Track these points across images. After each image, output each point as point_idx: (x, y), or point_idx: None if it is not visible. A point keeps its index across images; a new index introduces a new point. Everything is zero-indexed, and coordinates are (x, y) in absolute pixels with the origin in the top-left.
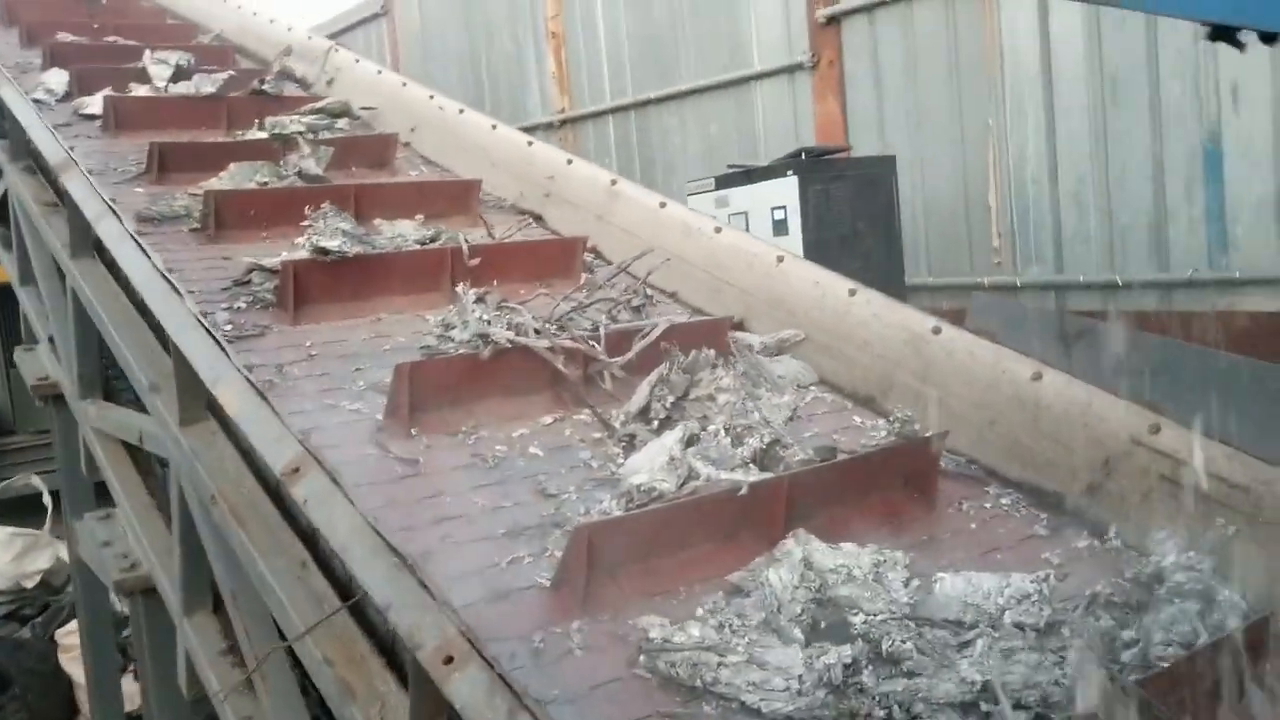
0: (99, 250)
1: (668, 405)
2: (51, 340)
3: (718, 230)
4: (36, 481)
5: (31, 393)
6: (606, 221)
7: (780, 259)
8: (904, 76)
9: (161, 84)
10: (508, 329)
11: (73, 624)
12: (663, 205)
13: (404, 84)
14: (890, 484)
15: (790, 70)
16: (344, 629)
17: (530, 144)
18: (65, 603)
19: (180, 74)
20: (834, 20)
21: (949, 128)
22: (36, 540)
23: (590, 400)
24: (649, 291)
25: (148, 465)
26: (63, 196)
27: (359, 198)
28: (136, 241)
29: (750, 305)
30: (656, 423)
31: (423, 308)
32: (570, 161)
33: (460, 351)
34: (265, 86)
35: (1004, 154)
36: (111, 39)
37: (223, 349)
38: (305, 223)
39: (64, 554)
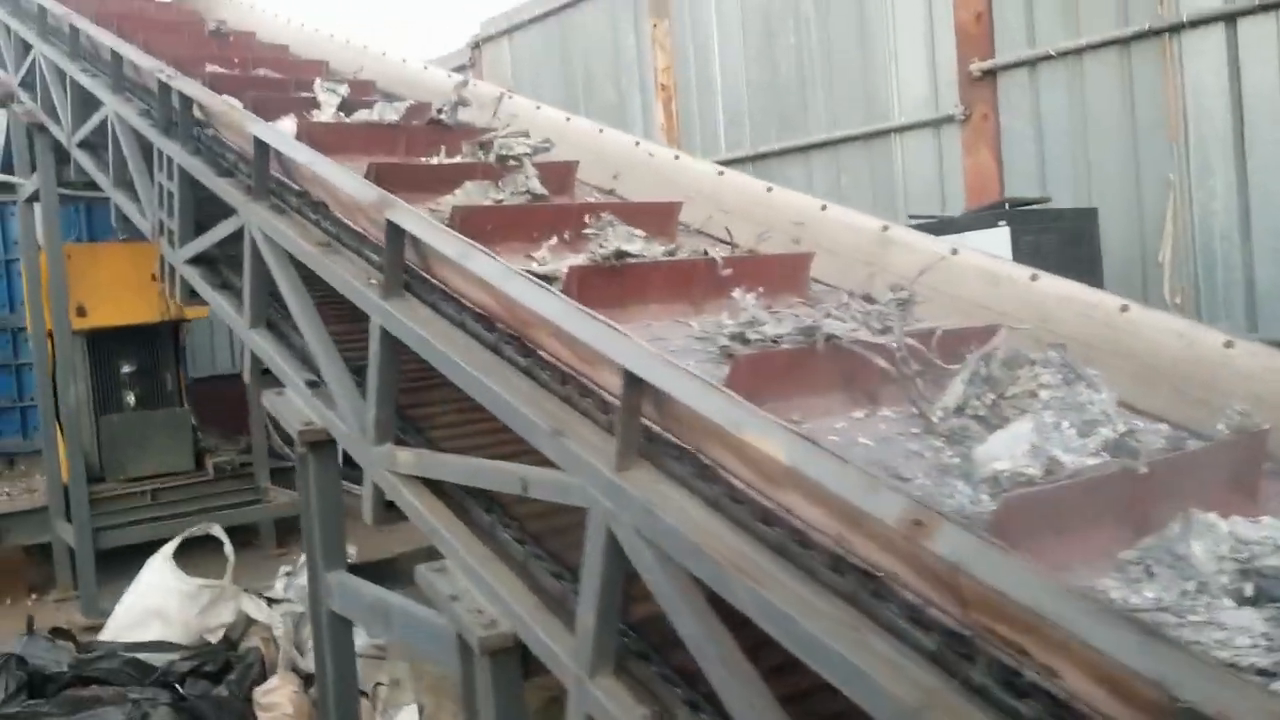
0: (408, 288)
1: (987, 401)
2: (313, 384)
3: (1034, 278)
4: (218, 531)
5: (298, 439)
6: (880, 269)
7: (1124, 307)
8: (1070, 131)
9: (330, 112)
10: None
11: (270, 682)
12: (955, 252)
13: (600, 130)
14: (1246, 472)
15: (936, 123)
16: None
17: (770, 190)
18: (251, 659)
19: (346, 104)
20: (989, 74)
21: (1121, 183)
22: (222, 592)
23: (884, 396)
24: None
25: (463, 511)
26: (342, 233)
27: (585, 216)
28: (531, 280)
29: (1091, 359)
30: (974, 417)
31: (674, 315)
32: (825, 208)
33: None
34: (442, 117)
35: (1186, 209)
36: (262, 72)
37: (723, 390)
38: (587, 230)
39: (246, 606)
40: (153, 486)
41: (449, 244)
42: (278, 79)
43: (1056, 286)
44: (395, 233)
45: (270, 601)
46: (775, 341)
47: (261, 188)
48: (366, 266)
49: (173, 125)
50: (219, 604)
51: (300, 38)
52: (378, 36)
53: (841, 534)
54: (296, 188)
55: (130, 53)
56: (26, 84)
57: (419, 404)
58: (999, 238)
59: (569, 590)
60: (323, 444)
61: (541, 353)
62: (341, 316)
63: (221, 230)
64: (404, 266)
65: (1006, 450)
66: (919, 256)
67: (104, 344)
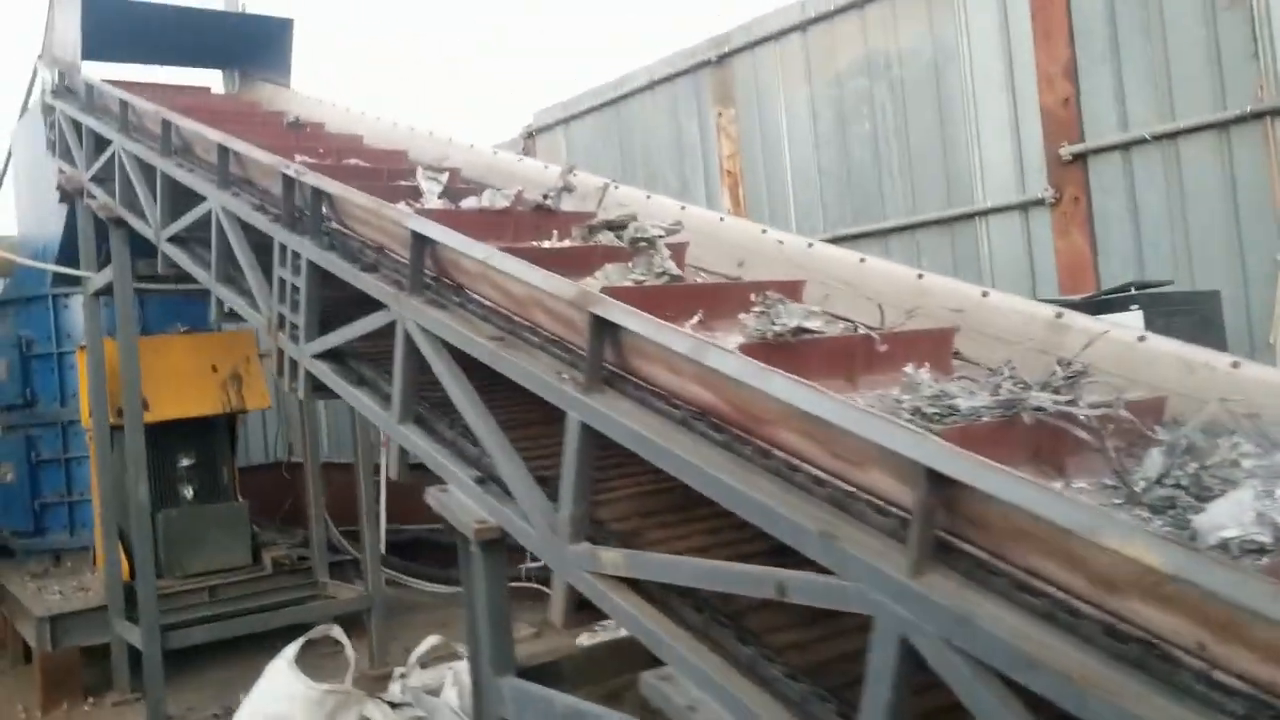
0: (610, 383)
1: (1189, 471)
2: (482, 481)
3: (1235, 365)
4: (338, 633)
5: (472, 537)
6: (1057, 355)
7: None
8: (1167, 213)
9: (435, 200)
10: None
11: None
12: (1142, 339)
13: (721, 219)
14: None
15: (1024, 206)
16: None
17: (921, 276)
18: None
19: (448, 192)
20: (1079, 157)
21: (1225, 265)
22: (347, 698)
23: (1071, 467)
24: None
25: (671, 612)
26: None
27: (719, 295)
28: (791, 377)
29: None
30: (1176, 487)
31: (834, 392)
32: (986, 294)
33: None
34: (548, 203)
35: None
36: (353, 162)
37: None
38: (756, 309)
39: (370, 713)
40: (211, 583)
41: (676, 340)
42: (370, 168)
43: (1263, 373)
44: (600, 327)
45: (392, 706)
46: (969, 415)
47: (417, 282)
48: (551, 361)
49: (297, 219)
50: (344, 710)
51: (375, 129)
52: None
53: (1204, 642)
54: (449, 281)
55: (242, 148)
56: (99, 179)
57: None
58: (1133, 321)
59: (808, 695)
60: (494, 542)
61: (777, 450)
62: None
63: (365, 325)
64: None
65: (1232, 518)
66: (1107, 344)
67: (162, 437)
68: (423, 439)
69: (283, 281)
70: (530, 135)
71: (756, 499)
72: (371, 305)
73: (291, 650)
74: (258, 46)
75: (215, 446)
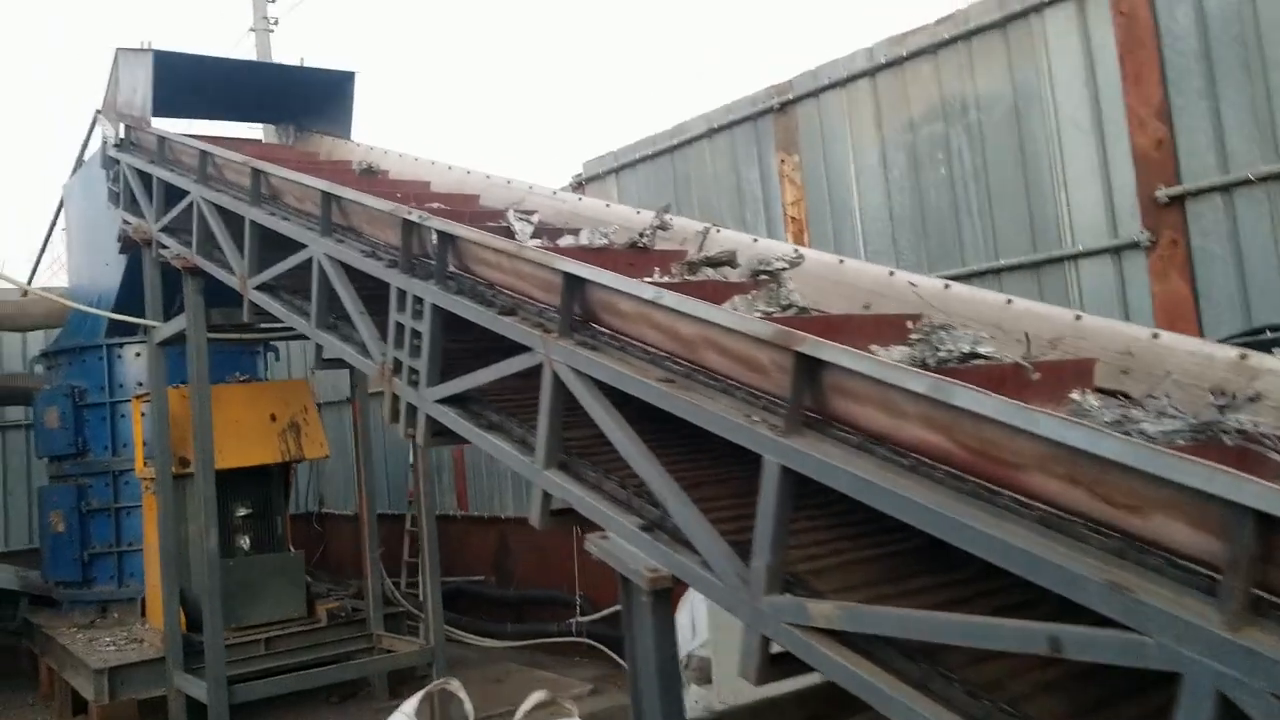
0: (810, 425)
1: None
2: (649, 529)
3: None
4: (457, 687)
5: (647, 586)
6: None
7: None
8: (1276, 254)
9: (525, 238)
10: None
11: None
12: None
13: (840, 260)
14: None
15: (1117, 250)
16: None
17: (1079, 318)
18: None
19: (540, 233)
20: (1176, 199)
21: None
22: None
23: None
24: None
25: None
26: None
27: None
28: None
29: None
30: None
31: None
32: (1156, 335)
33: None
34: (644, 242)
35: None
36: (436, 206)
37: None
38: (914, 336)
39: None
40: (267, 635)
41: (911, 379)
42: (455, 211)
43: None
44: (805, 365)
45: None
46: (1163, 439)
47: (568, 324)
48: (733, 402)
49: (414, 264)
50: None
51: (447, 177)
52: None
53: None
54: (598, 324)
55: (354, 195)
56: (170, 229)
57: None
58: None
59: None
60: (664, 592)
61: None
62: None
63: (504, 369)
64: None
65: None
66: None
67: (219, 486)
68: (573, 485)
69: (399, 326)
70: (580, 184)
71: (1024, 548)
72: (497, 351)
73: (412, 705)
74: (320, 99)
75: (271, 496)
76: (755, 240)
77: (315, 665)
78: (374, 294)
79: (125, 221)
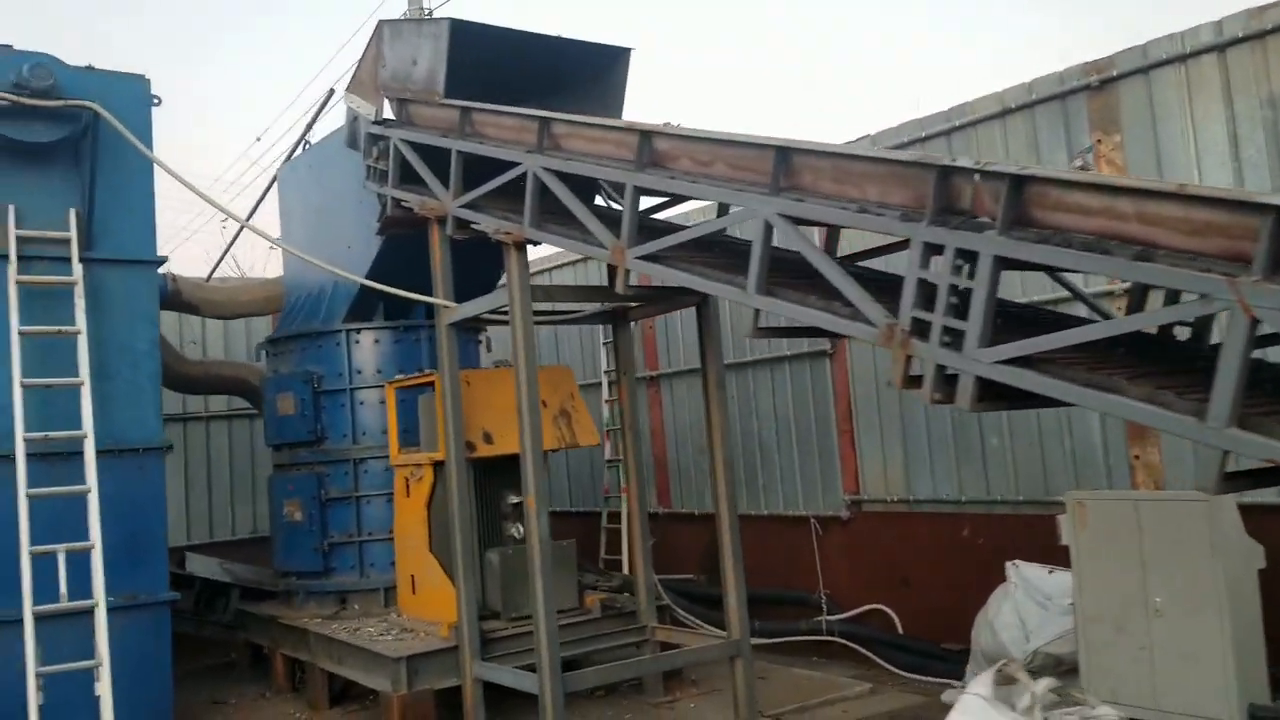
0: None
1: None
2: None
3: None
4: (1016, 669)
5: None
6: None
7: None
8: None
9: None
10: None
11: None
12: None
13: None
14: None
15: None
16: None
17: None
18: None
19: None
20: None
21: None
22: None
23: None
24: None
25: None
26: None
27: None
28: None
29: None
30: None
31: None
32: None
33: None
34: None
35: None
36: None
37: None
38: None
39: None
40: None
41: None
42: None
43: None
44: None
45: None
46: None
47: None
48: None
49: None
50: None
51: None
52: None
53: None
54: None
55: (836, 149)
56: (474, 205)
57: None
58: None
59: None
60: None
61: None
62: None
63: (1139, 322)
64: None
65: None
66: None
67: (489, 474)
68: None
69: (921, 285)
70: None
71: None
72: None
73: (985, 687)
74: (591, 76)
75: None
76: None
77: (590, 657)
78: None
79: (396, 202)
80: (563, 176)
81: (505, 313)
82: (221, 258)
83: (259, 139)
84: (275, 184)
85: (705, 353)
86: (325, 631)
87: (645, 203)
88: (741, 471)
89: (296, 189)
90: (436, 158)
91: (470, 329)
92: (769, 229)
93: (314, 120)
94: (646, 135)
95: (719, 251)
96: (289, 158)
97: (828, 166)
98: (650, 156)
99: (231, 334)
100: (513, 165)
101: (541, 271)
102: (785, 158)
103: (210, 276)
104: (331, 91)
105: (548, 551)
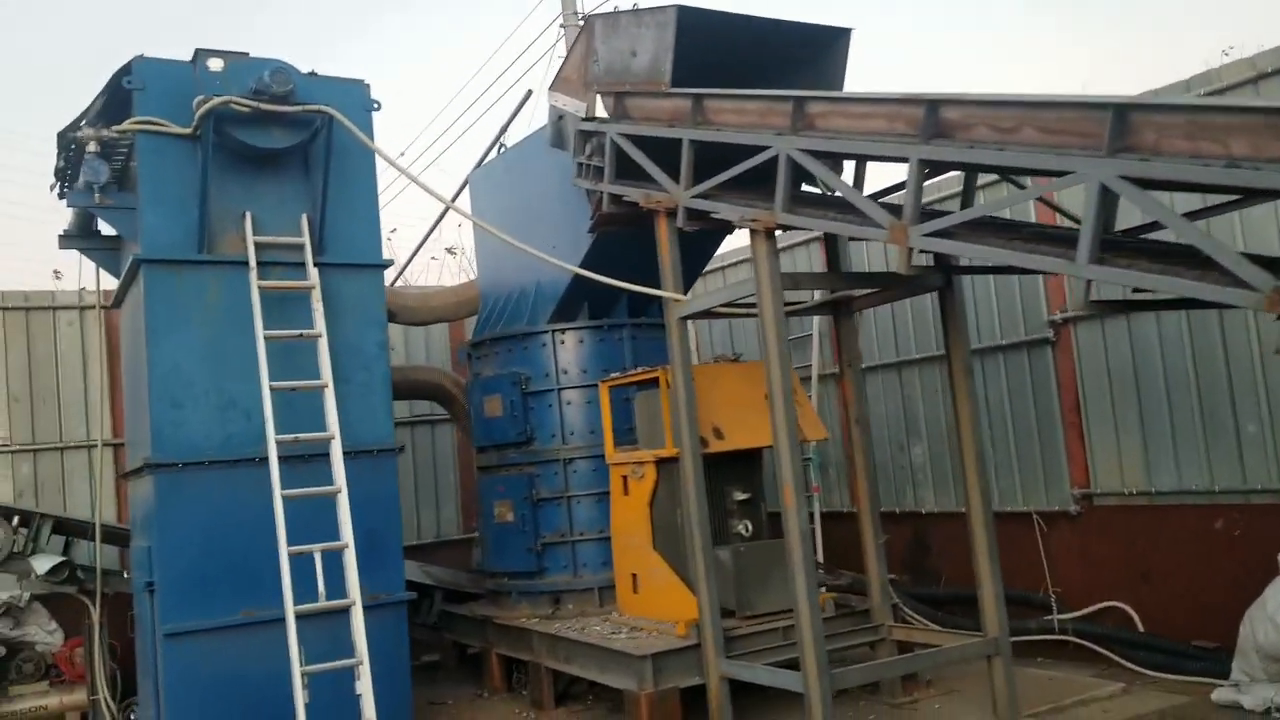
0: None
1: None
2: None
3: None
4: None
5: None
6: None
7: None
8: None
9: None
10: None
11: None
12: None
13: None
14: None
15: None
16: None
17: None
18: None
19: None
20: None
21: None
22: None
23: None
24: None
25: None
26: None
27: None
28: None
29: None
30: None
31: None
32: None
33: None
34: None
35: None
36: None
37: None
38: None
39: None
40: (782, 624)
41: None
42: None
43: None
44: None
45: None
46: None
47: None
48: None
49: None
50: None
51: None
52: None
53: None
54: None
55: None
56: (706, 195)
57: None
58: None
59: None
60: None
61: None
62: None
63: None
64: None
65: None
66: None
67: (714, 471)
68: None
69: None
70: None
71: None
72: None
73: None
74: (811, 57)
75: (757, 481)
76: None
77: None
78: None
79: (613, 198)
80: (819, 157)
81: (736, 305)
82: (405, 265)
83: None
84: (465, 189)
85: (950, 339)
86: (550, 630)
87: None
88: (949, 466)
89: (491, 193)
90: (657, 150)
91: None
92: (1104, 193)
93: (508, 124)
94: (933, 105)
95: (994, 229)
96: (480, 163)
97: (1180, 122)
98: (937, 127)
99: (411, 339)
100: (757, 150)
101: (726, 267)
102: (1123, 116)
103: (393, 283)
104: (529, 93)
105: (809, 546)
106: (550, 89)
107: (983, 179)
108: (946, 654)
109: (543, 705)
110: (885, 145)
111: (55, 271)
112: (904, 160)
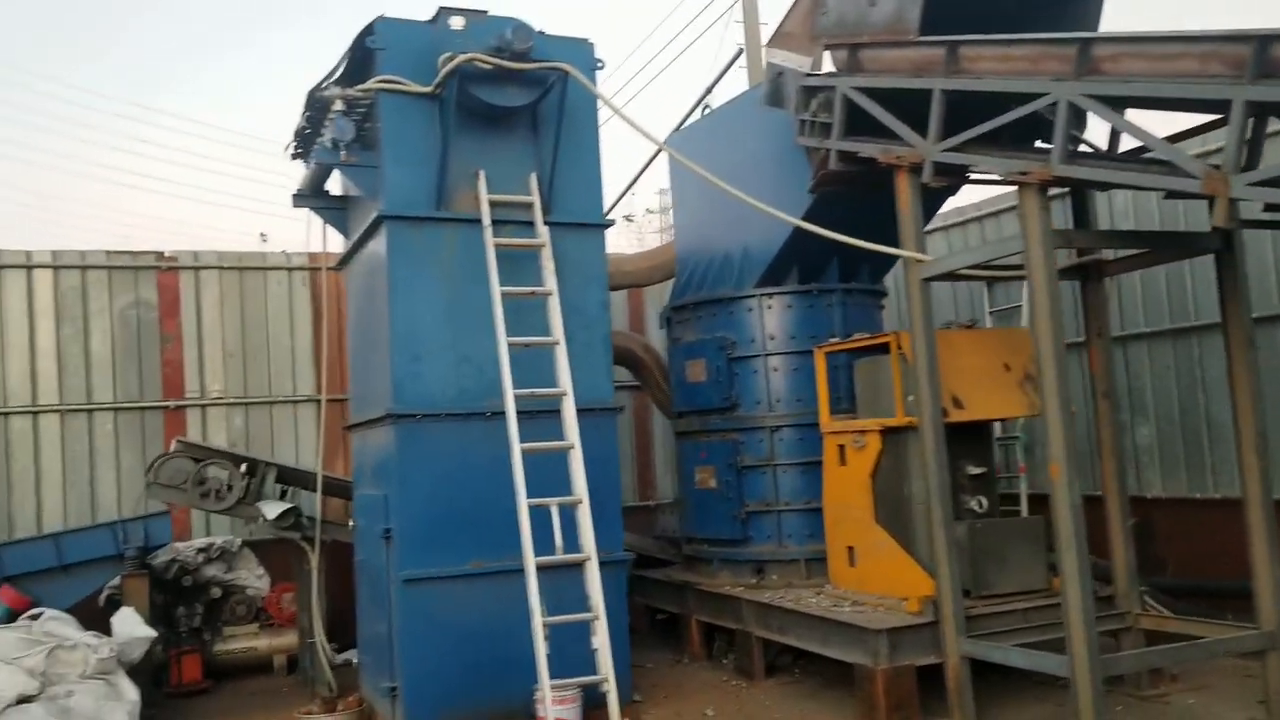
0: None
1: None
2: None
3: None
4: None
5: None
6: None
7: None
8: None
9: None
10: None
11: None
12: None
13: None
14: None
15: None
16: None
17: None
18: None
19: None
20: None
21: None
22: None
23: None
24: None
25: None
26: None
27: None
28: None
29: None
30: None
31: None
32: None
33: None
34: None
35: None
36: None
37: None
38: None
39: None
40: (1021, 606)
41: None
42: None
43: None
44: None
45: None
46: None
47: None
48: None
49: None
50: None
51: None
52: None
53: None
54: None
55: None
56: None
57: None
58: None
59: None
60: None
61: None
62: None
63: None
64: None
65: None
66: None
67: (948, 443)
68: None
69: None
70: None
71: None
72: None
73: None
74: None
75: (988, 454)
76: None
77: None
78: None
79: (840, 155)
80: (1110, 103)
81: (985, 266)
82: None
83: None
84: (660, 153)
85: (1227, 308)
86: (761, 599)
87: None
88: (1182, 449)
89: (693, 156)
90: (889, 104)
91: (874, 293)
92: None
93: (713, 85)
94: (1265, 40)
95: None
96: (679, 127)
97: None
98: (1267, 66)
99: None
100: (1028, 98)
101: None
102: None
103: None
104: (740, 51)
105: (1080, 522)
106: (768, 45)
107: (1273, 125)
108: (1218, 646)
109: (752, 675)
110: (1200, 88)
111: (261, 234)
112: (1222, 104)
